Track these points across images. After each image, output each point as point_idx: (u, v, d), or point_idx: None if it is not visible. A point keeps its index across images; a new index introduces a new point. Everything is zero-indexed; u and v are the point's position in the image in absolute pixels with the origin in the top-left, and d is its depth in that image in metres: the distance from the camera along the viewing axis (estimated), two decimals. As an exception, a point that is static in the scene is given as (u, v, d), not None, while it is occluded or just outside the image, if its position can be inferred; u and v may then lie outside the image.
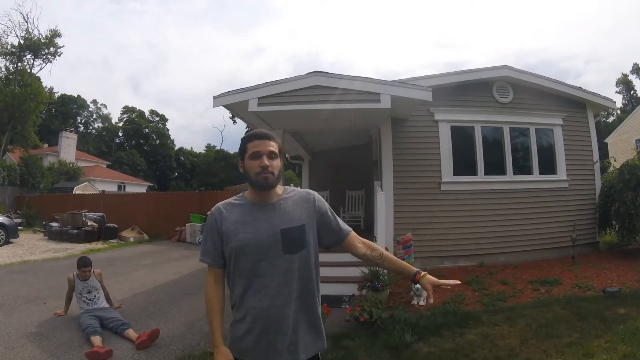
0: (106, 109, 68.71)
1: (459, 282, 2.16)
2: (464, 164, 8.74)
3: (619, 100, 51.54)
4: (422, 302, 5.89)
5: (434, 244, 8.23)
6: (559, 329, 4.77)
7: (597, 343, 4.30)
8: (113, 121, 66.62)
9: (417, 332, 4.69)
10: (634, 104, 43.76)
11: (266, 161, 1.96)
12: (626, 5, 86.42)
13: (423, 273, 2.09)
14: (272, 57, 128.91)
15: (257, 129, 2.16)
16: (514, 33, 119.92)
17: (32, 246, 12.61)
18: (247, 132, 2.14)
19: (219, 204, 2.13)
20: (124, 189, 37.37)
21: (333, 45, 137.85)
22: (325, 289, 6.39)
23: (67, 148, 36.52)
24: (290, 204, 2.06)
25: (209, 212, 2.13)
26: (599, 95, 10.02)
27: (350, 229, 2.22)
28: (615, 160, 10.49)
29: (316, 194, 2.18)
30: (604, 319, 4.98)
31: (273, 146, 2.00)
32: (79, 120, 62.82)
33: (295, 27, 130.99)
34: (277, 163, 2.01)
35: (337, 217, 2.19)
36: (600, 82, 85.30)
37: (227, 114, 58.28)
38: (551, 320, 5.06)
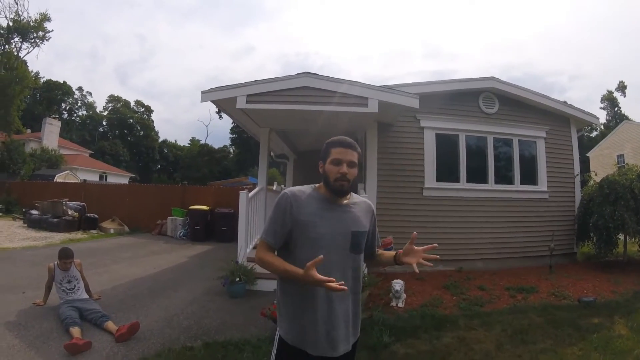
0: (91, 97, 67.83)
1: (435, 245, 2.23)
2: (447, 171, 8.89)
3: (603, 116, 52.96)
4: (400, 304, 5.96)
5: (414, 248, 8.28)
6: (534, 335, 4.87)
7: (571, 351, 4.41)
8: (98, 110, 65.86)
9: (394, 333, 4.75)
10: (618, 121, 44.72)
11: (345, 169, 2.15)
12: (611, 24, 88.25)
13: (399, 251, 2.23)
14: (261, 56, 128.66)
15: (342, 136, 2.27)
16: (501, 46, 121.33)
17: (11, 233, 12.36)
18: (330, 140, 2.29)
19: (293, 189, 2.26)
20: (106, 179, 36.88)
21: (322, 47, 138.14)
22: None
23: (50, 135, 35.97)
24: (359, 210, 2.27)
25: (282, 193, 2.24)
26: (582, 111, 10.26)
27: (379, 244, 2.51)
28: (596, 175, 10.68)
29: (374, 209, 2.41)
30: (578, 327, 5.10)
31: (354, 156, 2.20)
32: (63, 107, 61.86)
33: (285, 28, 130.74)
34: (354, 171, 2.20)
35: (378, 232, 2.47)
36: (584, 98, 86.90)
37: (214, 108, 57.90)
38: (526, 326, 5.16)
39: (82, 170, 33.40)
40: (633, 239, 8.74)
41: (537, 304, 6.21)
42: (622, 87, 54.37)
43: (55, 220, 13.48)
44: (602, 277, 7.79)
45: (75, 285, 5.37)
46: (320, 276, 1.91)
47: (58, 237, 12.02)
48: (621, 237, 8.86)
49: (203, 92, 7.38)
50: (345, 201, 2.25)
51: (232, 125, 55.50)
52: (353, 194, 2.33)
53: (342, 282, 1.93)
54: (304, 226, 2.12)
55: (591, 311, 5.78)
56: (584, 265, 9.15)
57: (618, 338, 4.71)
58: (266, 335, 4.71)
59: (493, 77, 9.17)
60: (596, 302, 6.21)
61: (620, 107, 53.83)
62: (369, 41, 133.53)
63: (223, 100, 7.49)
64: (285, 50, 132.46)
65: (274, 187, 12.51)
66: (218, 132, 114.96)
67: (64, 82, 60.24)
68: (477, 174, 9.05)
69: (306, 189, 2.27)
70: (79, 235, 13.02)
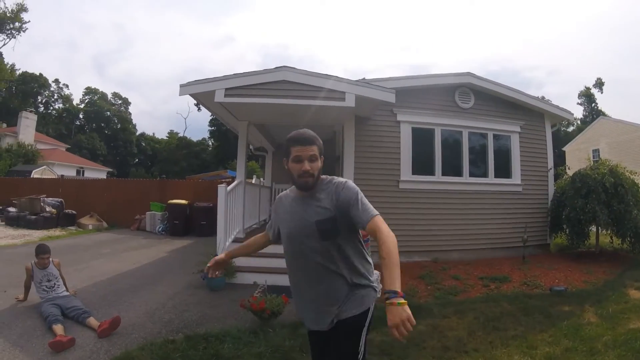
0: (68, 89, 65.92)
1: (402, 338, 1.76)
2: (422, 164, 9.02)
3: (579, 112, 53.99)
4: (377, 295, 6.08)
5: (390, 240, 8.40)
6: (506, 322, 5.03)
7: (541, 337, 4.56)
8: (74, 102, 63.95)
9: (371, 321, 4.86)
10: (594, 116, 45.48)
11: (307, 166, 2.23)
12: (592, 22, 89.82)
13: (391, 301, 1.79)
14: (241, 47, 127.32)
15: (300, 131, 2.31)
16: (480, 41, 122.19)
17: (-12, 232, 12.21)
18: (289, 135, 2.33)
19: (283, 192, 2.57)
20: (83, 174, 36.30)
21: (303, 39, 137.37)
22: (280, 280, 6.46)
23: (26, 129, 35.13)
24: (325, 196, 2.29)
25: None
26: (557, 107, 10.51)
27: (372, 216, 2.18)
28: (569, 169, 10.95)
29: (347, 185, 2.31)
30: (549, 315, 5.29)
31: (314, 150, 2.25)
32: (40, 100, 59.97)
33: (265, 18, 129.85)
34: (317, 165, 2.27)
35: (363, 205, 2.22)
36: (561, 93, 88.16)
37: (193, 101, 57.21)
38: (498, 314, 5.32)
39: (59, 165, 32.76)
40: (605, 231, 9.00)
41: (510, 292, 6.40)
42: (599, 84, 55.47)
43: (33, 217, 13.31)
44: (574, 267, 8.02)
45: (55, 284, 5.35)
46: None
47: (36, 235, 11.87)
48: (593, 229, 9.11)
49: (181, 86, 7.39)
50: (314, 191, 2.31)
51: (210, 118, 54.92)
52: (325, 178, 2.35)
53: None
54: (280, 224, 2.47)
55: (562, 300, 5.98)
56: (557, 256, 9.41)
57: (587, 325, 4.88)
58: (246, 326, 4.78)
59: (469, 72, 9.29)
60: (567, 291, 6.41)
61: (597, 103, 54.85)
62: (350, 33, 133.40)
63: (201, 93, 7.50)
64: (266, 41, 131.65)
65: (253, 181, 12.52)
66: (196, 124, 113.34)
67: (40, 74, 58.34)
68: (452, 167, 9.22)
69: (289, 190, 2.50)
70: (57, 232, 12.87)
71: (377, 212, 2.22)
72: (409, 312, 1.75)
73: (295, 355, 4.04)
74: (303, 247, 2.29)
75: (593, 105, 54.56)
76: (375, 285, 2.46)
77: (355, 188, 2.30)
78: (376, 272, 5.96)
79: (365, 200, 2.27)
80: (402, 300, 1.77)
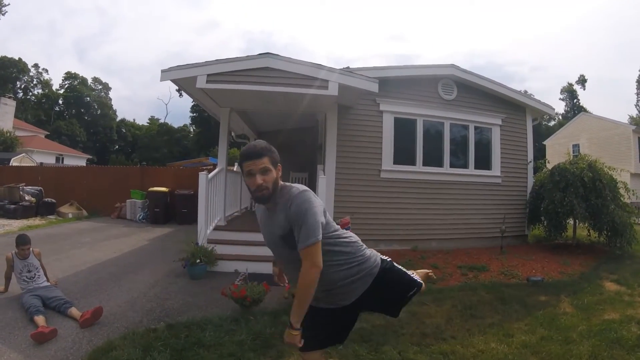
0: (47, 74, 64.51)
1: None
2: (404, 154, 9.08)
3: (561, 107, 54.99)
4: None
5: (370, 228, 8.49)
6: (483, 311, 5.10)
7: (518, 325, 4.63)
8: (54, 87, 62.59)
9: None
10: (576, 112, 46.40)
11: (259, 180, 2.20)
12: (578, 21, 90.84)
13: (288, 330, 2.26)
14: (225, 32, 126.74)
15: (250, 145, 2.33)
16: (467, 33, 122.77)
17: (-34, 222, 11.94)
18: (242, 150, 2.38)
19: None
20: (62, 162, 35.65)
21: (287, 25, 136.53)
22: (261, 267, 6.43)
23: (5, 116, 34.41)
24: (279, 210, 2.27)
25: None
26: (538, 101, 10.71)
27: (307, 245, 2.12)
28: (549, 162, 11.10)
29: (298, 200, 2.19)
30: (525, 304, 5.37)
31: (265, 162, 2.22)
32: (19, 86, 58.46)
33: (250, 4, 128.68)
34: (271, 176, 2.24)
35: (305, 229, 2.14)
36: (544, 88, 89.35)
37: (174, 86, 56.65)
38: (476, 302, 5.39)
39: (38, 153, 32.22)
40: (582, 224, 9.19)
41: (487, 282, 6.51)
42: (582, 81, 56.60)
43: (12, 206, 13.04)
44: (551, 259, 8.17)
45: (35, 274, 5.28)
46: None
47: (16, 225, 11.65)
48: (571, 221, 9.30)
49: (163, 71, 7.29)
50: (276, 204, 2.30)
51: (192, 104, 54.33)
52: (285, 190, 2.29)
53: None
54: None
55: (538, 290, 6.09)
56: (534, 247, 9.58)
57: (563, 315, 4.97)
58: (227, 314, 4.77)
59: (453, 64, 9.34)
60: (544, 281, 6.53)
61: (579, 99, 55.99)
62: (335, 21, 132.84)
63: (183, 79, 7.42)
64: (250, 27, 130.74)
65: (235, 168, 12.46)
66: (178, 110, 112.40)
67: (20, 59, 56.98)
68: (433, 158, 9.29)
69: None
70: (36, 221, 12.63)
71: (315, 239, 2.13)
72: (295, 340, 2.25)
73: (277, 342, 4.03)
74: (280, 255, 2.44)
75: (575, 101, 55.64)
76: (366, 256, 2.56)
77: (304, 205, 2.17)
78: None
79: (312, 220, 2.14)
80: (294, 332, 2.23)
